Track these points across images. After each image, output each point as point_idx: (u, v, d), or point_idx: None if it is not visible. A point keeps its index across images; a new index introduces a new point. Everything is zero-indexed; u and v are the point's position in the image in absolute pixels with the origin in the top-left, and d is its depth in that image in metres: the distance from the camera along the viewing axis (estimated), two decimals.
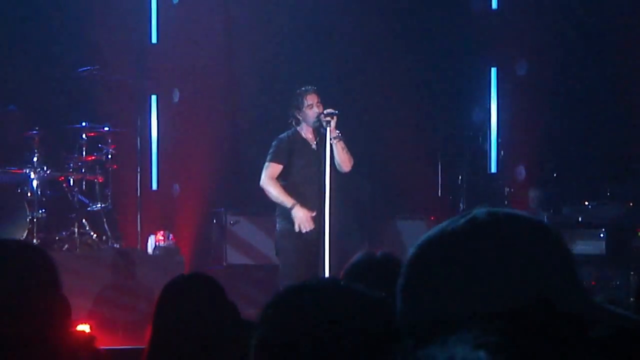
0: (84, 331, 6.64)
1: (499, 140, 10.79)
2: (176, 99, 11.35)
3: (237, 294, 9.26)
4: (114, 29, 10.73)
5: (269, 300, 1.84)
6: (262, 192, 8.26)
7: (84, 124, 9.86)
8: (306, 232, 8.02)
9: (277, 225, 8.25)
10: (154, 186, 11.19)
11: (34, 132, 9.54)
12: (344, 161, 8.15)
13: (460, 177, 10.67)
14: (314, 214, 7.98)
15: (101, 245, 9.56)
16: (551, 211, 9.79)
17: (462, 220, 1.53)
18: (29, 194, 9.37)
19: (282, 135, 8.29)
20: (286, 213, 8.13)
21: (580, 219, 9.71)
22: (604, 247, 9.60)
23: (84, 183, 9.83)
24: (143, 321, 3.72)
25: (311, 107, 8.16)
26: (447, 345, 1.37)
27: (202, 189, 10.72)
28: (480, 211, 1.54)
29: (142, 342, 3.57)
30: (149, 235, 10.06)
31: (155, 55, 11.28)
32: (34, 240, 8.98)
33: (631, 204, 9.84)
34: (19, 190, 9.37)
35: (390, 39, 10.75)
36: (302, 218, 7.97)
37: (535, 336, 1.43)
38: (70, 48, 10.61)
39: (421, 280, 1.50)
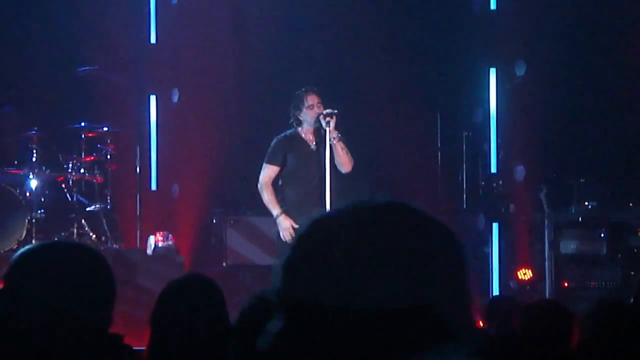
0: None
1: (499, 141, 10.78)
2: (175, 99, 11.33)
3: (237, 294, 9.24)
4: (113, 29, 10.71)
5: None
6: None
7: (83, 124, 9.84)
8: None
9: (277, 225, 8.24)
10: (153, 186, 11.17)
11: (33, 132, 9.52)
12: (344, 162, 8.14)
13: (460, 178, 10.65)
14: (297, 226, 7.99)
15: (100, 246, 9.53)
16: (552, 211, 9.77)
17: (356, 205, 1.48)
18: (27, 195, 9.35)
19: (279, 136, 8.28)
20: (287, 212, 8.11)
21: (580, 219, 9.70)
22: (604, 247, 9.59)
23: (83, 183, 9.81)
24: (142, 322, 3.71)
25: (312, 108, 8.14)
26: (442, 353, 1.36)
27: (202, 189, 10.70)
28: (378, 199, 1.49)
29: (141, 344, 3.55)
30: (149, 236, 10.04)
31: (154, 55, 11.26)
32: (32, 241, 8.95)
33: (631, 205, 9.83)
34: (18, 191, 9.35)
35: (390, 40, 10.73)
36: (285, 228, 7.98)
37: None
38: (69, 48, 10.59)
39: (304, 260, 1.45)
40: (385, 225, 1.45)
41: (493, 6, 10.95)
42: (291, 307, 1.43)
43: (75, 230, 9.48)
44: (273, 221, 8.28)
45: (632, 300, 6.27)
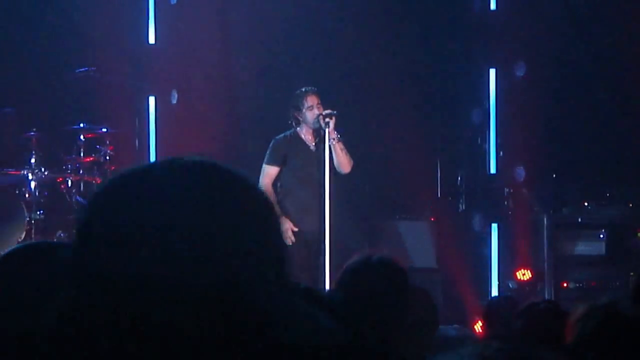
0: None
1: (498, 141, 10.77)
2: (174, 101, 11.31)
3: None
4: (112, 30, 10.70)
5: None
6: None
7: (81, 125, 9.83)
8: (306, 232, 8.00)
9: None
10: None
11: (32, 133, 9.51)
12: (343, 163, 8.13)
13: (459, 178, 10.65)
14: (296, 229, 7.98)
15: None
16: (551, 212, 9.77)
17: (155, 164, 1.33)
18: (27, 196, 9.35)
19: (278, 137, 8.28)
20: (286, 213, 8.11)
21: (580, 219, 9.69)
22: (603, 247, 9.58)
23: (82, 184, 9.80)
24: None
25: (311, 109, 8.14)
26: (455, 355, 1.32)
27: None
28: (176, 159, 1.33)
29: None
30: None
31: (153, 56, 11.24)
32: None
33: (631, 205, 9.83)
34: (17, 192, 9.34)
35: (389, 40, 10.72)
36: (284, 230, 7.98)
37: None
38: (68, 49, 10.57)
39: (98, 223, 1.30)
40: (187, 185, 1.29)
41: (493, 6, 10.94)
42: (83, 275, 1.27)
43: (74, 231, 9.47)
44: None
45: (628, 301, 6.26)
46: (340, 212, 8.20)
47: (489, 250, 10.28)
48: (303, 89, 8.25)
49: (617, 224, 9.61)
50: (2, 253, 2.37)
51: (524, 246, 9.96)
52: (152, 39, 11.32)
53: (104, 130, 9.86)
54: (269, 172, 8.17)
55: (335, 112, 8.06)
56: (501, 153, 10.74)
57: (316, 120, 8.10)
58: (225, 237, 1.26)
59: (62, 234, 9.45)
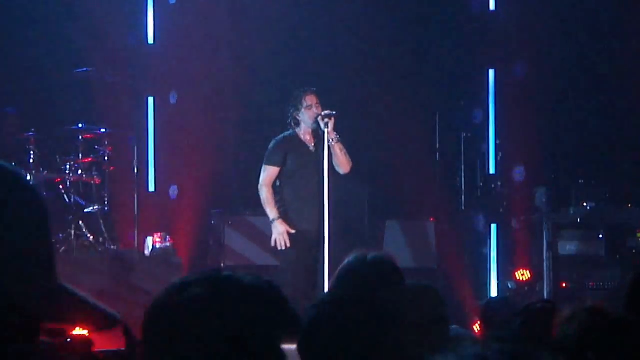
0: (82, 335, 6.60)
1: (498, 142, 10.77)
2: (173, 101, 11.30)
3: None
4: (111, 30, 10.69)
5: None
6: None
7: (80, 125, 9.82)
8: (305, 232, 8.00)
9: (273, 229, 8.22)
10: (151, 188, 11.15)
11: (31, 133, 9.50)
12: (342, 163, 8.12)
13: (459, 179, 10.64)
14: (293, 231, 7.98)
15: (98, 247, 9.52)
16: (550, 212, 9.77)
17: None
18: None
19: (278, 137, 8.27)
20: (285, 212, 8.10)
21: (579, 220, 9.69)
22: (602, 248, 9.58)
23: (80, 185, 9.79)
24: (140, 323, 3.67)
25: (310, 108, 8.13)
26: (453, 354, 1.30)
27: (200, 191, 10.68)
28: None
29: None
30: (146, 237, 10.02)
31: (152, 56, 11.23)
32: None
33: (630, 206, 9.82)
34: None
35: (389, 41, 10.72)
36: (280, 233, 7.98)
37: None
38: (67, 49, 10.56)
39: None
40: None
41: (492, 7, 10.95)
42: None
43: (72, 232, 9.46)
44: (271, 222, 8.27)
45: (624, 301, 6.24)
46: (340, 213, 8.19)
47: (488, 251, 10.28)
48: (302, 89, 8.24)
49: (617, 224, 9.61)
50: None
51: (523, 247, 9.96)
52: (151, 39, 11.31)
53: (103, 130, 9.85)
54: (270, 171, 8.16)
55: (334, 112, 8.05)
56: (500, 154, 10.74)
57: (315, 120, 8.09)
58: None
59: (60, 235, 9.44)
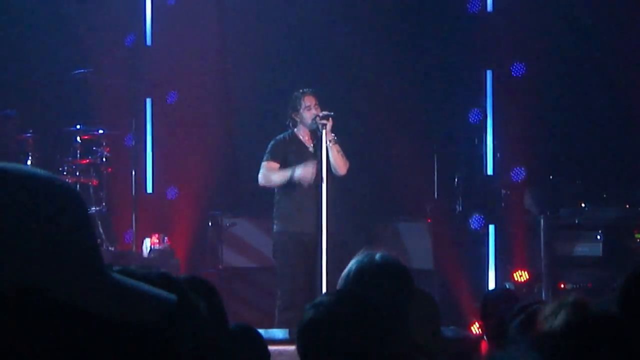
0: None
1: (495, 143, 10.76)
2: (171, 102, 11.30)
3: (233, 296, 9.23)
4: (109, 31, 10.69)
5: None
6: (258, 193, 8.22)
7: (78, 126, 9.82)
8: (304, 233, 8.00)
9: (274, 226, 8.22)
10: (149, 189, 11.15)
11: (28, 135, 9.51)
12: (340, 165, 8.12)
13: (456, 180, 10.64)
14: (314, 168, 7.99)
15: None
16: (548, 213, 9.77)
17: None
18: None
19: (278, 137, 8.28)
20: (283, 214, 8.10)
21: (577, 221, 9.69)
22: (600, 249, 9.58)
23: (78, 186, 9.78)
24: None
25: (309, 109, 8.13)
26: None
27: (198, 192, 10.68)
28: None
29: None
30: (144, 238, 10.02)
31: (150, 57, 11.23)
32: None
33: (628, 206, 9.83)
34: None
35: (386, 42, 10.72)
36: (304, 173, 7.98)
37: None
38: (65, 50, 10.56)
39: None
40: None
41: (489, 8, 10.95)
42: None
43: None
44: (270, 223, 8.27)
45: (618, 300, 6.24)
46: (338, 214, 8.19)
47: (486, 252, 10.28)
48: (301, 90, 8.25)
49: (614, 225, 9.62)
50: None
51: (521, 247, 9.96)
52: (149, 41, 11.31)
53: (101, 131, 9.86)
54: (269, 166, 8.16)
55: (332, 113, 8.05)
56: (498, 154, 10.74)
57: (313, 121, 8.10)
58: (12, 238, 1.20)
59: None
